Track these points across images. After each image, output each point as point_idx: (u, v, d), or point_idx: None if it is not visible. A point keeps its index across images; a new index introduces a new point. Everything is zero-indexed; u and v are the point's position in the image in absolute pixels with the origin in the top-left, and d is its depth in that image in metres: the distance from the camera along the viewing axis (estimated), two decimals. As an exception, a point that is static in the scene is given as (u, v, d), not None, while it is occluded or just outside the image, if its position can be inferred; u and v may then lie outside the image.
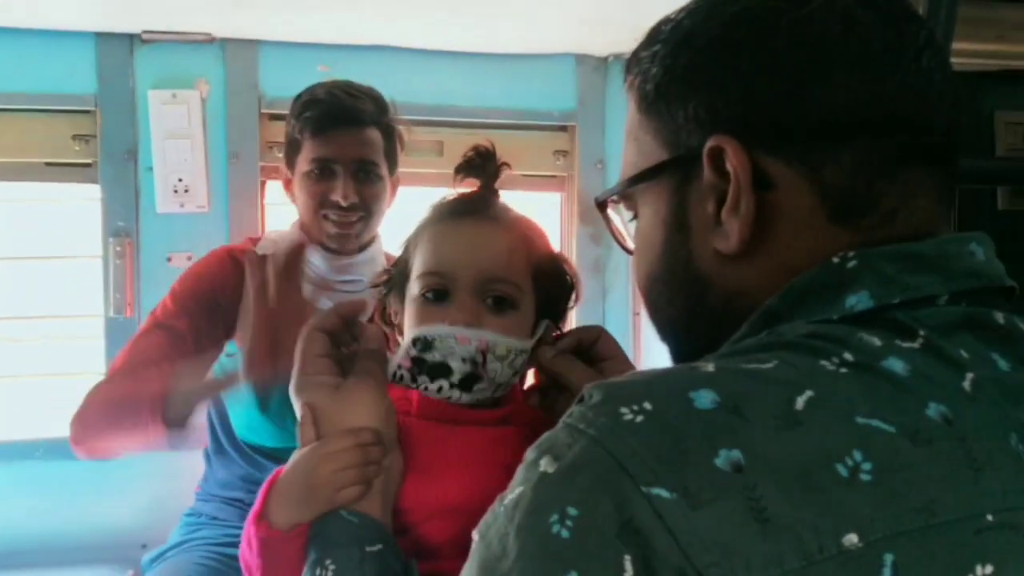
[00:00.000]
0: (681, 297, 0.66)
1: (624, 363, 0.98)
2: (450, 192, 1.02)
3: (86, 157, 2.09)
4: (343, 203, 1.60)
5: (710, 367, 0.53)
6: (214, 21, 2.03)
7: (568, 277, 1.04)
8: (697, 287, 0.64)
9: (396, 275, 1.01)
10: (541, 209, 2.53)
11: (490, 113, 2.26)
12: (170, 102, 2.07)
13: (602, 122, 2.32)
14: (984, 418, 0.51)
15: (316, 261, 1.64)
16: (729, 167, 0.59)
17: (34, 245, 2.43)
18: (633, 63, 0.68)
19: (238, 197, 2.13)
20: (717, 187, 0.61)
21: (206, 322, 1.55)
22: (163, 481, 2.02)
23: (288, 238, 1.67)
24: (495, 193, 1.00)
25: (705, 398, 0.50)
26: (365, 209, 1.64)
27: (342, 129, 1.61)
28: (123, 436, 1.40)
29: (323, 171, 1.62)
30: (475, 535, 0.53)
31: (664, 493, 0.46)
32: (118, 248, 2.08)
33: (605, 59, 2.32)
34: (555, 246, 1.06)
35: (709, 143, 0.60)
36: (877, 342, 0.53)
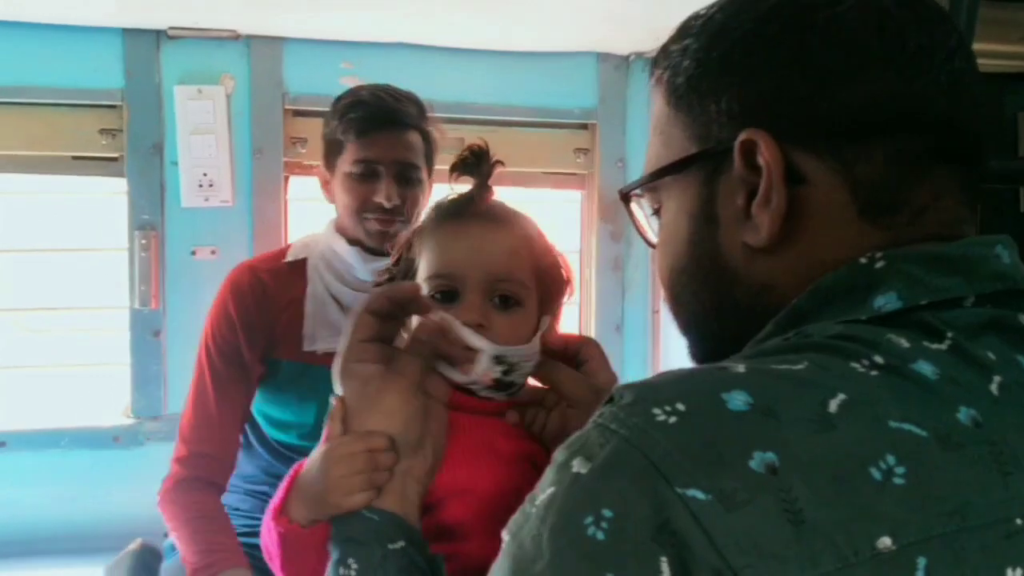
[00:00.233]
0: (707, 290, 0.66)
1: (604, 366, 0.99)
2: (450, 192, 1.03)
3: (112, 151, 2.12)
4: (387, 204, 1.60)
5: (740, 368, 0.53)
6: (239, 18, 2.05)
7: (563, 271, 1.06)
8: (724, 280, 0.64)
9: (400, 274, 1.03)
10: (561, 207, 2.54)
11: (511, 111, 2.27)
12: (195, 97, 2.10)
13: (623, 121, 2.33)
14: (1012, 421, 0.51)
15: (352, 262, 1.65)
16: (761, 161, 0.59)
17: (61, 238, 2.46)
18: (662, 57, 0.68)
19: (262, 192, 2.16)
20: (747, 180, 0.61)
21: (248, 350, 1.64)
22: (186, 472, 2.05)
23: (324, 240, 1.69)
24: (489, 191, 1.02)
25: (738, 399, 0.49)
26: (406, 212, 1.65)
27: (386, 131, 1.62)
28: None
29: (367, 172, 1.62)
30: (505, 535, 0.53)
31: (699, 495, 0.46)
32: (143, 241, 2.10)
33: (627, 58, 2.32)
34: (556, 242, 1.08)
35: (741, 136, 0.60)
36: (905, 344, 0.53)
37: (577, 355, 1.00)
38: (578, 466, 0.50)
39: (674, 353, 2.19)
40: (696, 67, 0.64)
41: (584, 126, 2.35)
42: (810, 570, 0.45)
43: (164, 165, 2.12)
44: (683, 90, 0.65)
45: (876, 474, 0.47)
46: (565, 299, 1.07)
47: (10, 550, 2.05)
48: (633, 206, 0.75)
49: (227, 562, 1.54)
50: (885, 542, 0.46)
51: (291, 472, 0.90)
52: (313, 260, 1.69)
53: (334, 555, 0.82)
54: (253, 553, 1.60)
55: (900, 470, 0.47)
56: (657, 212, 0.71)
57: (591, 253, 2.38)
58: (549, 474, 0.52)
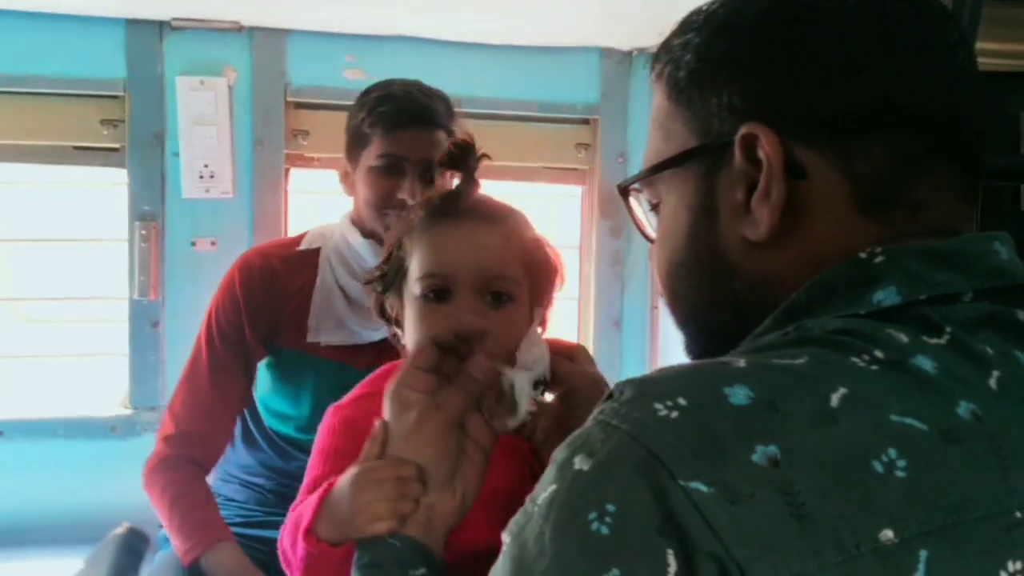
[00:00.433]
0: (705, 283, 0.66)
1: (587, 360, 1.01)
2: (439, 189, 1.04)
3: (114, 142, 2.12)
4: (410, 201, 1.55)
5: (741, 363, 0.53)
6: (243, 9, 2.04)
7: (554, 262, 1.07)
8: (722, 273, 0.64)
9: (391, 272, 1.03)
10: (561, 202, 2.54)
11: (513, 105, 2.27)
12: (198, 89, 2.09)
13: (625, 116, 2.32)
14: (1011, 416, 0.52)
15: (365, 255, 1.64)
16: (762, 155, 0.59)
17: (61, 228, 2.46)
18: (663, 51, 0.69)
19: (262, 184, 2.15)
20: (748, 175, 0.61)
21: (250, 333, 1.63)
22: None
23: (338, 231, 1.68)
24: (476, 185, 1.02)
25: (740, 394, 0.50)
26: None
27: (415, 128, 1.59)
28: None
29: (392, 168, 1.59)
30: (505, 536, 0.53)
31: (702, 487, 0.46)
32: (143, 232, 2.10)
33: (629, 53, 2.31)
34: (552, 236, 1.09)
35: (742, 130, 0.60)
36: (904, 339, 0.53)
37: (570, 358, 1.01)
38: (580, 463, 0.50)
39: (672, 349, 2.19)
40: (697, 61, 0.64)
41: (586, 121, 2.34)
42: (813, 562, 0.45)
43: (165, 156, 2.11)
44: (684, 84, 0.65)
45: (878, 467, 0.47)
46: (556, 289, 1.08)
47: (7, 539, 2.05)
48: (632, 201, 0.75)
49: (211, 537, 1.54)
50: (887, 535, 0.46)
51: (321, 490, 0.90)
52: (326, 251, 1.68)
53: None
54: (251, 544, 1.61)
55: (901, 463, 0.48)
56: (656, 207, 0.71)
57: (591, 249, 2.38)
58: (550, 473, 0.52)
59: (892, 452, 0.48)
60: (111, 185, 2.21)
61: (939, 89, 0.60)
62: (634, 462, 0.48)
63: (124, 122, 2.10)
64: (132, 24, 2.07)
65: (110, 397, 2.19)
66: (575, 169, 2.38)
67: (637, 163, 2.25)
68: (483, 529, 0.86)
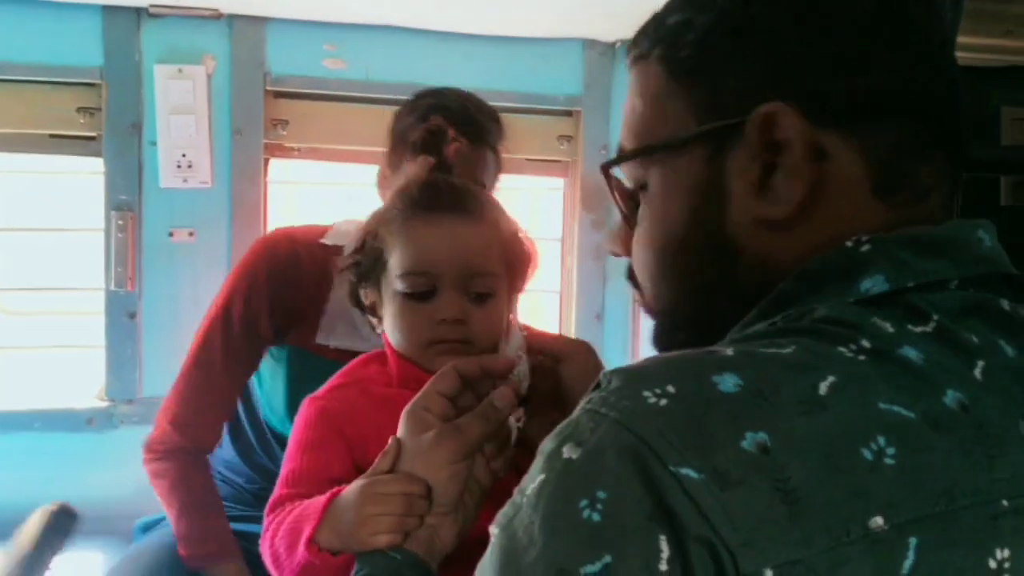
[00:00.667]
0: (707, 267, 0.65)
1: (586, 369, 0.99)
2: (415, 179, 1.04)
3: (90, 130, 2.09)
4: None
5: (729, 351, 0.53)
6: (222, -3, 2.02)
7: (528, 250, 1.08)
8: (727, 257, 0.63)
9: (367, 263, 1.02)
10: (543, 194, 2.53)
11: (495, 96, 2.23)
12: (176, 77, 2.07)
13: (608, 108, 2.32)
14: (996, 405, 0.52)
15: None
16: (784, 135, 0.59)
17: (37, 217, 2.43)
18: (654, 30, 0.67)
19: (241, 174, 2.13)
20: (763, 155, 0.60)
21: (267, 320, 1.56)
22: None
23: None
24: (450, 170, 1.03)
25: (729, 381, 0.49)
26: None
27: (463, 143, 1.51)
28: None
29: None
30: (494, 528, 0.53)
31: (692, 473, 0.46)
32: (120, 222, 2.08)
33: (612, 44, 2.31)
34: (530, 227, 1.10)
35: (763, 109, 0.59)
36: (890, 328, 0.54)
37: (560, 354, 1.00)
38: (569, 451, 0.50)
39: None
40: (705, 39, 0.63)
41: (568, 113, 2.34)
42: (804, 548, 0.45)
43: (142, 145, 2.09)
44: (690, 63, 0.64)
45: (867, 455, 0.47)
46: (530, 278, 1.08)
47: (-19, 532, 2.03)
48: (614, 182, 0.73)
49: (220, 553, 1.53)
50: (877, 521, 0.46)
51: (325, 498, 0.90)
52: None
53: None
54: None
55: (891, 451, 0.48)
56: (639, 189, 0.69)
57: (573, 241, 2.37)
58: (538, 463, 0.52)
59: (881, 440, 0.48)
60: (88, 174, 2.18)
61: (939, 79, 0.61)
62: (624, 449, 0.48)
63: (101, 110, 2.07)
64: (109, 10, 2.04)
65: (86, 389, 2.17)
66: (557, 161, 2.37)
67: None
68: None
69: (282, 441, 1.64)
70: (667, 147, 0.65)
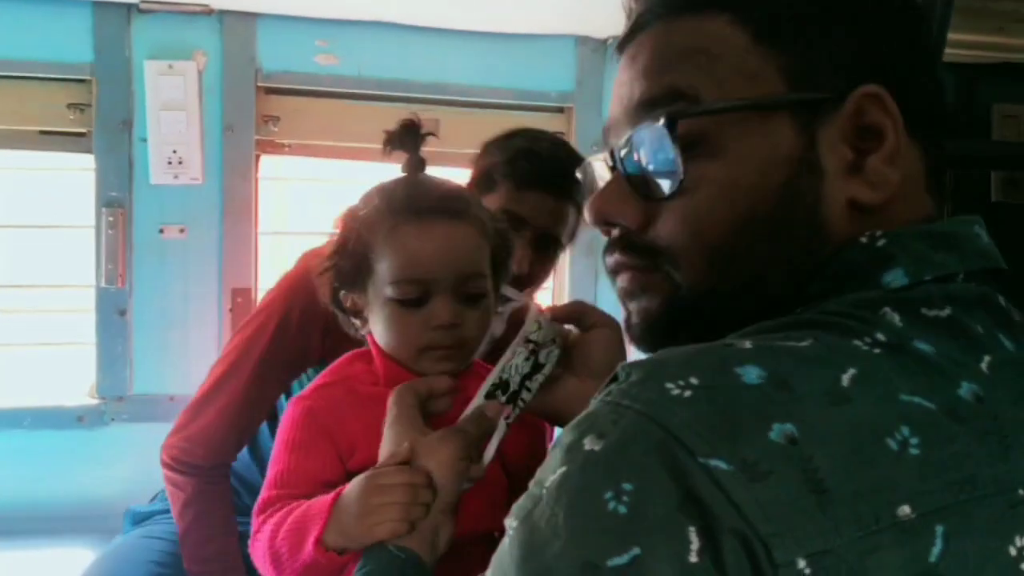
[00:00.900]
0: (799, 244, 0.61)
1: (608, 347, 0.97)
2: (393, 175, 1.04)
3: (81, 126, 2.08)
4: (515, 270, 1.34)
5: (747, 344, 0.52)
6: (212, -8, 2.02)
7: (507, 233, 1.09)
8: (820, 235, 0.60)
9: (351, 267, 1.02)
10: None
11: (487, 92, 2.26)
12: (166, 73, 2.06)
13: (600, 105, 2.32)
14: (1006, 397, 0.53)
15: None
16: (883, 118, 0.59)
17: (27, 214, 2.42)
18: None
19: (232, 170, 2.13)
20: (858, 134, 0.60)
21: (313, 351, 1.47)
22: (150, 451, 2.02)
23: None
24: (423, 164, 1.03)
25: (752, 373, 0.49)
26: (532, 281, 1.50)
27: (547, 193, 1.45)
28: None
29: (509, 224, 1.37)
30: (511, 520, 0.52)
31: (722, 465, 0.46)
32: (111, 219, 2.07)
33: (605, 41, 2.31)
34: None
35: (865, 88, 0.59)
36: (899, 322, 0.54)
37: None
38: (590, 443, 0.49)
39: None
40: (803, 9, 0.61)
41: (560, 109, 2.34)
42: (834, 538, 0.45)
43: (133, 141, 2.08)
44: (783, 30, 0.61)
45: (893, 445, 0.48)
46: (511, 257, 1.09)
47: (-29, 530, 2.02)
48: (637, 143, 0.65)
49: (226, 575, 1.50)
50: (905, 510, 0.46)
51: (330, 497, 0.90)
52: None
53: None
54: None
55: (915, 441, 0.48)
56: (691, 149, 0.61)
57: (565, 238, 2.37)
58: (556, 455, 0.51)
59: (905, 430, 0.48)
60: (78, 171, 2.17)
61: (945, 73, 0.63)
62: (650, 441, 0.47)
63: (91, 106, 2.07)
64: (99, 6, 2.04)
65: (77, 386, 2.16)
66: (550, 158, 2.37)
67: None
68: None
69: None
70: (755, 108, 0.61)
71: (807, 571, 0.45)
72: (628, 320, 0.70)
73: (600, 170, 0.74)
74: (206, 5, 2.06)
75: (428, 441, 0.87)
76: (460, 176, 1.06)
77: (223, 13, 2.09)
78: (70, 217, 2.26)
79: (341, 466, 0.99)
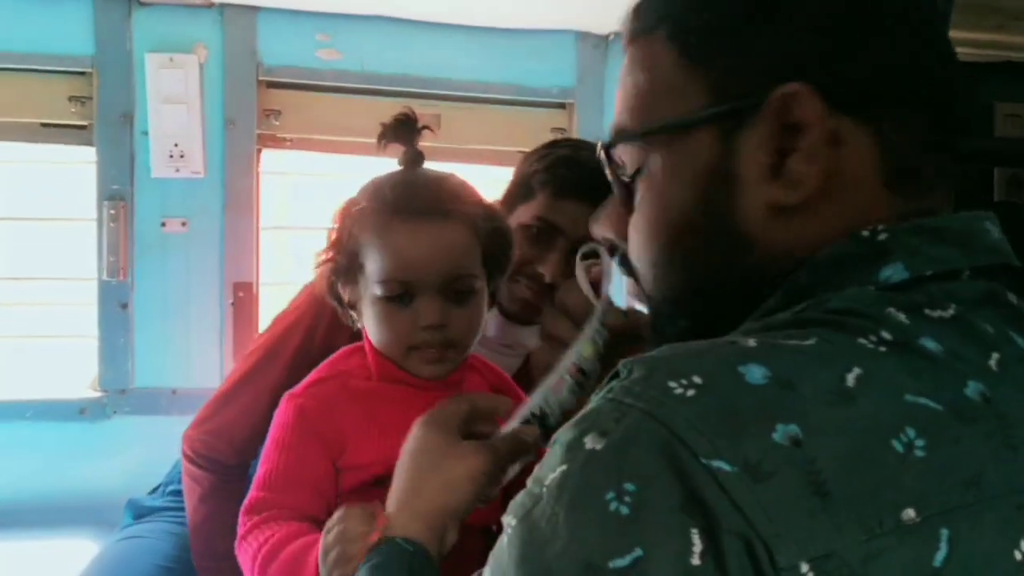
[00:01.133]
0: (718, 253, 0.62)
1: None
2: (385, 171, 1.04)
3: (82, 119, 2.08)
4: (547, 279, 1.36)
5: (751, 342, 0.52)
6: (214, -15, 2.02)
7: (506, 233, 1.08)
8: (740, 242, 0.61)
9: (343, 263, 1.02)
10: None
11: (488, 88, 2.25)
12: (168, 66, 2.06)
13: (601, 100, 2.31)
14: (1014, 396, 0.52)
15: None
16: (802, 117, 0.57)
17: (28, 207, 2.42)
18: (664, 3, 0.65)
19: (234, 164, 2.13)
20: (778, 137, 0.58)
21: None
22: (152, 444, 2.03)
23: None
24: (421, 158, 1.03)
25: (756, 373, 0.49)
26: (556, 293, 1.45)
27: (585, 204, 1.38)
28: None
29: (544, 234, 1.38)
30: (509, 519, 0.51)
31: (725, 466, 0.45)
32: (112, 212, 2.07)
33: (606, 37, 2.30)
34: (487, 201, 1.08)
35: (782, 90, 0.57)
36: (905, 319, 0.53)
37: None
38: (592, 442, 0.49)
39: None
40: (719, 18, 0.61)
41: (561, 105, 2.33)
42: (837, 540, 0.45)
43: (134, 134, 2.08)
44: (703, 42, 0.62)
45: (898, 446, 0.47)
46: (510, 253, 1.08)
47: (-27, 522, 2.03)
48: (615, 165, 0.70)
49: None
50: (909, 514, 0.46)
51: (314, 559, 0.90)
52: None
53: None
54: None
55: (920, 443, 0.47)
56: (639, 171, 0.66)
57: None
58: (556, 453, 0.50)
59: (911, 432, 0.48)
60: (79, 164, 2.17)
61: (946, 66, 0.61)
62: (652, 440, 0.47)
63: (92, 99, 2.07)
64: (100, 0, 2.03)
65: (79, 379, 2.17)
66: (551, 153, 2.36)
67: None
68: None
69: None
70: (675, 128, 0.62)
71: (810, 575, 0.45)
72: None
73: None
74: (208, -2, 2.06)
75: (460, 448, 0.86)
76: (461, 171, 1.05)
77: (224, 6, 2.09)
78: (71, 210, 2.26)
79: (331, 467, 1.00)
